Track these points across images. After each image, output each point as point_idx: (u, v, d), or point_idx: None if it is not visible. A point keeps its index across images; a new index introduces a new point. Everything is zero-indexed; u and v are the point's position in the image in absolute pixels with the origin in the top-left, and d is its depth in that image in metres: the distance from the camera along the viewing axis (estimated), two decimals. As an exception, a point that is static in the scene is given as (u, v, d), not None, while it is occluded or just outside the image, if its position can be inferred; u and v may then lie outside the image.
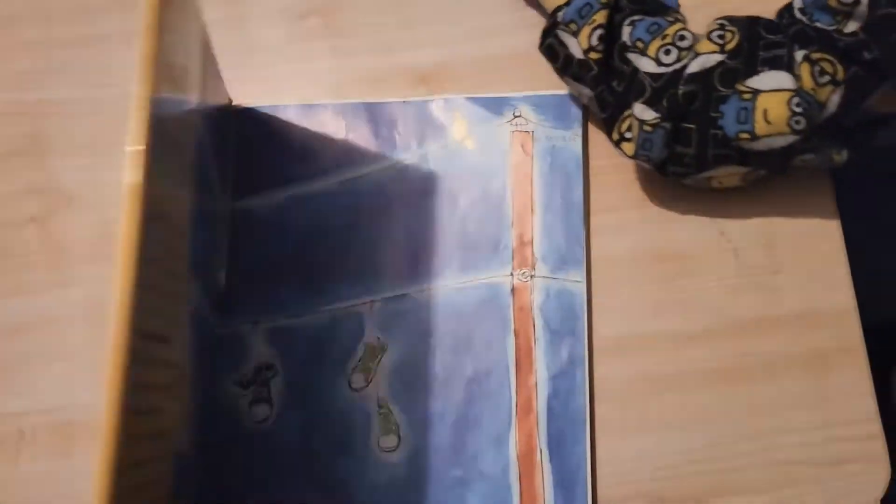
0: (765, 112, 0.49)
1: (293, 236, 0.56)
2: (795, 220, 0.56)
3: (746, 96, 0.49)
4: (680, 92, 0.50)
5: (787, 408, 0.53)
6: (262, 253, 0.56)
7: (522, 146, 0.56)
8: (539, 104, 0.57)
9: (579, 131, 0.56)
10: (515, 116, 0.57)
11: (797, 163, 0.52)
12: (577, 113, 0.57)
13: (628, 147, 0.52)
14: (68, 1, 0.61)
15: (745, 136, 0.50)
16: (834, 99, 0.49)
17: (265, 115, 0.58)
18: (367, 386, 0.53)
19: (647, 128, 0.51)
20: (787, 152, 0.51)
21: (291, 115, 0.58)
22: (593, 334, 0.54)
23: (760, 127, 0.49)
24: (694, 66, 0.50)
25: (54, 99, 0.60)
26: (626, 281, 0.55)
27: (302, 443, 0.52)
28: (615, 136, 0.53)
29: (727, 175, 0.53)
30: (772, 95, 0.49)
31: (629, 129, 0.52)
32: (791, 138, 0.50)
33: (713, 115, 0.50)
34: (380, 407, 0.53)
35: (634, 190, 0.57)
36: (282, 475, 0.52)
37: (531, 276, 0.54)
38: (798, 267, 0.55)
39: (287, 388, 0.53)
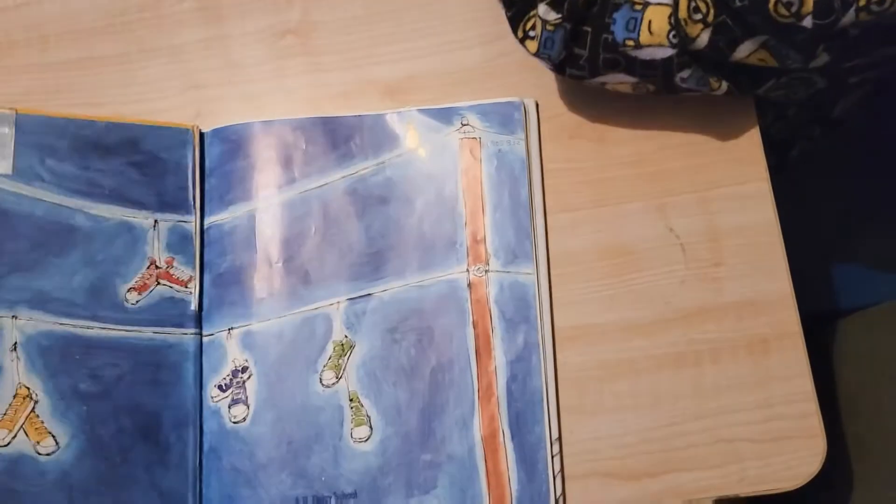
0: (649, 23, 0.53)
1: (260, 246, 0.60)
2: (738, 216, 0.60)
3: (637, 7, 0.54)
4: None
5: (731, 389, 0.57)
6: (232, 264, 0.59)
7: (471, 152, 0.61)
8: (484, 112, 0.61)
9: (522, 136, 0.61)
10: (463, 125, 0.61)
11: (678, 82, 0.55)
12: (519, 119, 0.61)
13: (531, 45, 0.56)
14: (63, 26, 0.66)
15: (630, 43, 0.54)
16: (703, 37, 0.52)
17: (228, 133, 0.62)
18: (337, 381, 0.58)
19: (549, 27, 0.55)
20: (667, 66, 0.54)
21: (254, 132, 0.61)
22: (554, 325, 0.59)
23: (644, 36, 0.53)
24: None
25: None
26: (581, 275, 0.60)
27: (279, 438, 0.56)
28: (520, 33, 0.57)
29: (619, 83, 0.57)
30: (657, 9, 0.53)
31: (533, 27, 0.56)
32: (669, 51, 0.53)
33: (607, 20, 0.54)
34: (351, 401, 0.57)
35: (588, 190, 0.61)
36: (266, 469, 0.56)
37: (486, 271, 0.59)
38: (740, 259, 0.59)
39: (261, 388, 0.57)
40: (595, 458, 0.57)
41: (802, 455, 0.56)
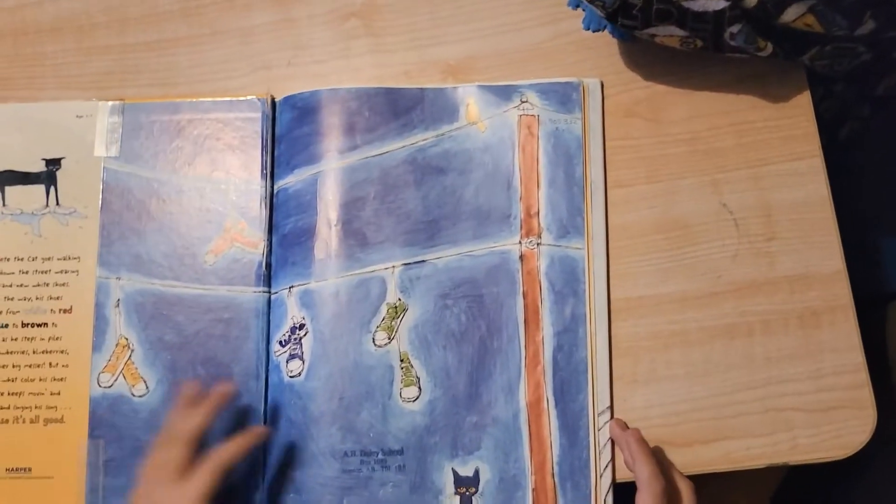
0: None
1: (321, 209, 0.63)
2: (791, 192, 0.62)
3: None
4: None
5: (782, 360, 0.59)
6: (295, 225, 0.63)
7: (529, 128, 0.63)
8: (544, 91, 0.64)
9: (579, 115, 0.63)
10: (522, 102, 0.63)
11: (727, 38, 0.56)
12: (577, 99, 0.63)
13: None
14: (141, 10, 0.70)
15: None
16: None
17: (297, 101, 0.65)
18: (389, 342, 0.61)
19: None
20: (719, 18, 0.55)
21: (322, 99, 0.65)
22: (610, 297, 0.61)
23: None
24: None
25: (128, 97, 0.68)
26: (636, 249, 0.62)
27: (331, 394, 0.60)
28: None
29: (668, 36, 0.58)
30: None
31: None
32: (722, 3, 0.54)
33: None
34: (401, 361, 0.60)
35: (643, 167, 0.63)
36: (317, 423, 0.60)
37: (538, 244, 0.61)
38: (793, 234, 0.61)
39: (316, 344, 0.61)
40: (647, 425, 0.59)
41: (852, 425, 0.58)
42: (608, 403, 0.59)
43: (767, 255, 0.61)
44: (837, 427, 0.58)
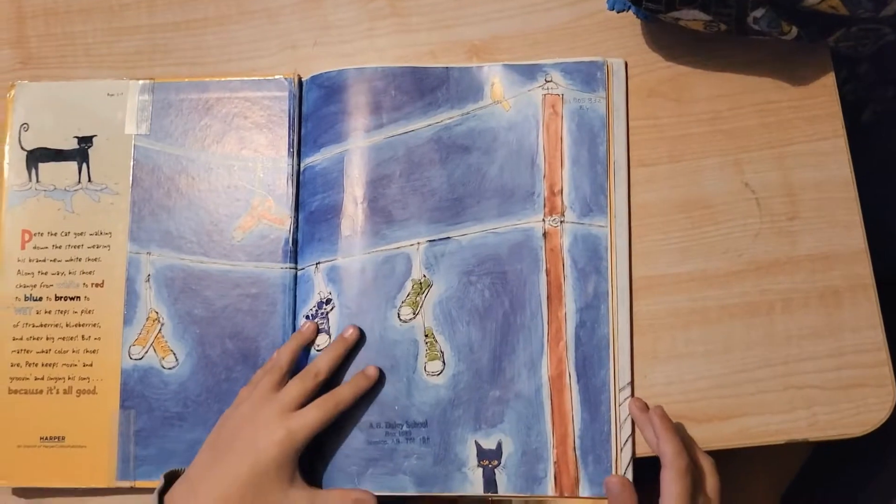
0: None
1: (347, 186, 0.64)
2: (814, 172, 0.63)
3: None
4: None
5: (803, 338, 0.60)
6: (322, 202, 0.64)
7: (553, 107, 0.64)
8: (568, 70, 0.64)
9: (603, 94, 0.64)
10: (547, 81, 0.64)
11: (751, 22, 0.57)
12: (602, 78, 0.64)
13: None
14: (169, -10, 0.71)
15: None
16: None
17: (324, 80, 0.66)
18: (414, 317, 0.62)
19: None
20: (741, 3, 0.56)
21: (348, 78, 0.66)
22: (632, 274, 0.62)
23: None
24: None
25: (157, 76, 0.70)
26: (657, 228, 0.63)
27: (357, 368, 0.61)
28: None
29: (692, 20, 0.59)
30: None
31: None
32: None
33: None
34: (426, 336, 0.62)
35: (665, 146, 0.64)
36: None
37: (561, 222, 0.62)
38: (815, 214, 0.62)
39: (343, 319, 0.62)
40: (667, 401, 0.60)
41: (872, 402, 0.59)
42: (629, 380, 0.60)
43: (789, 235, 0.62)
44: (857, 405, 0.59)
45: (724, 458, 0.58)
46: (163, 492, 0.56)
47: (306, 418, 0.57)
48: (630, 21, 0.65)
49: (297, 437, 0.56)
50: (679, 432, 0.57)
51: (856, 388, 0.59)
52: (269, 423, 0.56)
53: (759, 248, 0.62)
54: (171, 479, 0.58)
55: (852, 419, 0.59)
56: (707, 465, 0.57)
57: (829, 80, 0.63)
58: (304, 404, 0.58)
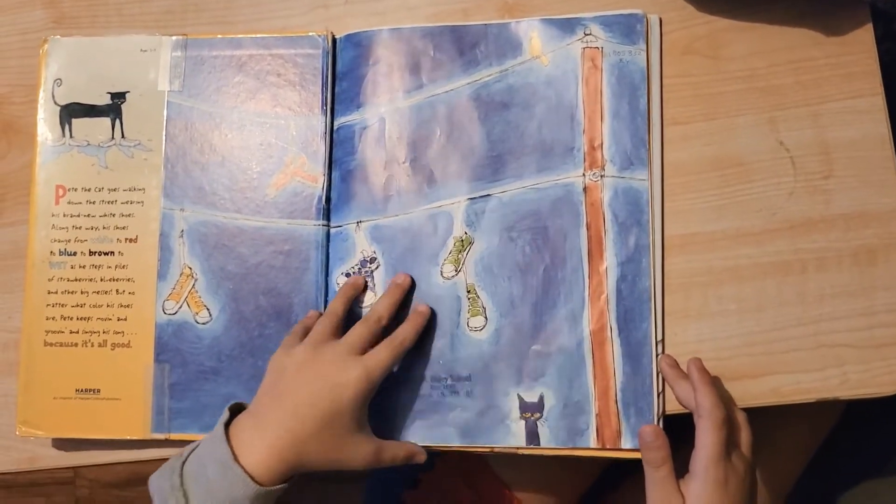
0: None
1: (389, 147, 0.65)
2: (850, 130, 0.63)
3: None
4: None
5: (835, 297, 0.61)
6: (361, 162, 0.65)
7: (592, 61, 0.64)
8: (607, 23, 0.64)
9: (643, 47, 0.64)
10: (586, 34, 0.65)
11: None
12: (641, 31, 0.64)
13: None
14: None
15: None
16: None
17: (360, 39, 0.67)
18: (456, 274, 0.63)
19: None
20: None
21: (384, 38, 0.67)
22: (664, 232, 0.63)
23: None
24: None
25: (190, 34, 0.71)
26: (691, 186, 0.63)
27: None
28: None
29: None
30: None
31: None
32: None
33: None
34: (468, 292, 0.63)
35: (700, 104, 0.64)
36: None
37: (601, 176, 0.63)
38: (850, 172, 0.62)
39: (388, 277, 0.64)
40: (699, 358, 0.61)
41: (904, 361, 0.59)
42: (661, 337, 0.61)
43: (824, 193, 0.62)
44: (889, 363, 0.60)
45: (758, 416, 0.59)
46: (228, 423, 0.57)
47: (379, 356, 0.58)
48: (665, -22, 0.66)
49: (374, 376, 0.58)
50: (715, 386, 0.58)
51: (888, 346, 0.60)
52: (342, 362, 0.58)
53: (793, 206, 0.62)
54: (235, 411, 0.59)
55: (884, 378, 0.59)
56: (742, 419, 0.58)
57: (867, 37, 0.63)
58: (367, 349, 0.59)
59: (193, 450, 0.57)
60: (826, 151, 0.63)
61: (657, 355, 0.61)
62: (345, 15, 0.69)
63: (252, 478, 0.54)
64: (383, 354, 0.59)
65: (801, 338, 0.61)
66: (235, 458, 0.54)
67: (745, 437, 0.58)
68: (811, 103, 0.63)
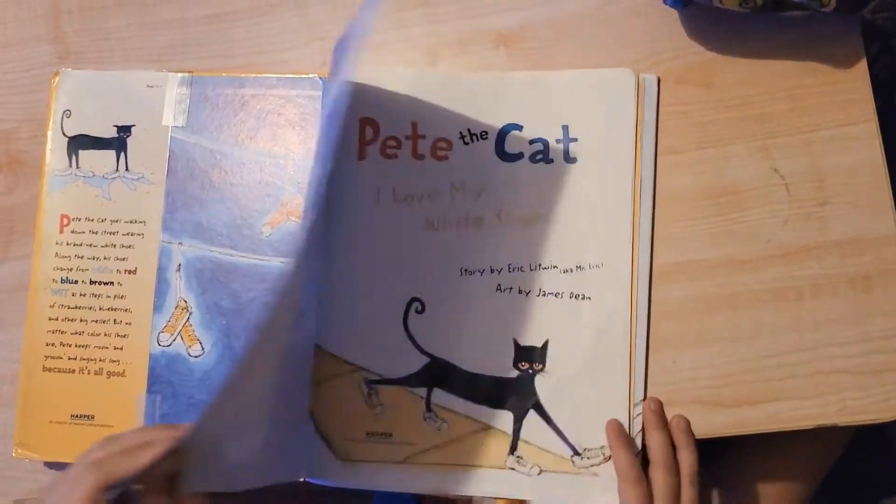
0: None
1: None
2: (844, 156, 0.64)
3: None
4: None
5: (832, 323, 0.62)
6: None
7: None
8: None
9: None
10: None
11: None
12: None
13: None
14: (201, -17, 0.75)
15: None
16: None
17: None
18: None
19: None
20: None
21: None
22: (655, 261, 0.65)
23: None
24: None
25: (191, 70, 0.73)
26: (685, 214, 0.65)
27: None
28: None
29: None
30: None
31: None
32: None
33: None
34: None
35: (693, 133, 0.66)
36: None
37: None
38: (845, 199, 0.64)
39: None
40: (694, 386, 0.63)
41: (903, 388, 0.60)
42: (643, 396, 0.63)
43: (819, 220, 0.64)
44: (886, 389, 0.61)
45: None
46: None
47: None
48: (658, 6, 0.68)
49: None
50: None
51: (886, 372, 0.61)
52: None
53: (788, 233, 0.64)
54: None
55: (883, 404, 0.60)
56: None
57: (860, 64, 0.65)
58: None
59: None
60: (820, 178, 0.64)
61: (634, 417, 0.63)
62: (343, 48, 0.72)
63: None
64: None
65: (797, 364, 0.62)
66: None
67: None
68: (805, 130, 0.65)
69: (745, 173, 0.65)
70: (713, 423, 0.62)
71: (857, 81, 0.65)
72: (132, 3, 0.75)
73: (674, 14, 0.68)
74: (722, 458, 0.68)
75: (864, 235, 0.63)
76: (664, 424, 0.61)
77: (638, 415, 0.62)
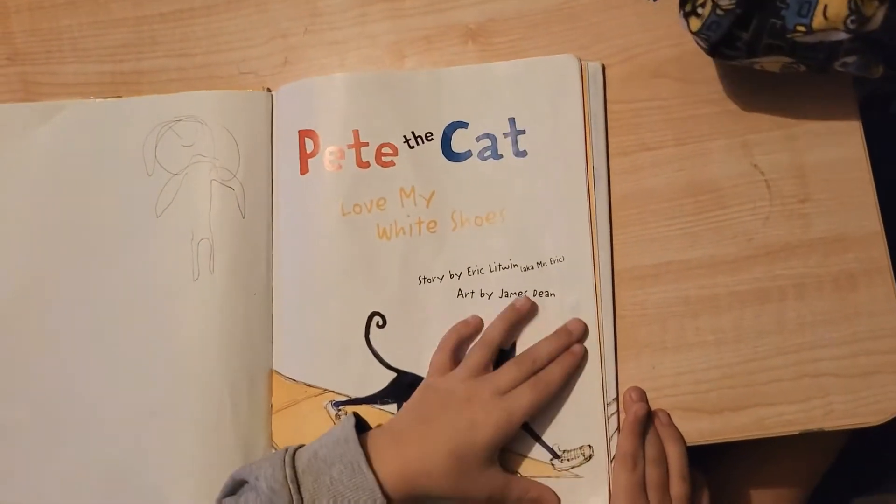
0: (825, 8, 0.55)
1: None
2: (826, 152, 0.64)
3: None
4: None
5: (817, 325, 0.62)
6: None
7: None
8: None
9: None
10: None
11: (838, 66, 0.58)
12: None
13: (694, 23, 0.59)
14: (154, -20, 0.74)
15: (801, 28, 0.56)
16: (878, 15, 0.55)
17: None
18: None
19: (720, 11, 0.57)
20: (834, 49, 0.57)
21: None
22: (633, 263, 0.64)
23: (818, 21, 0.55)
24: None
25: (145, 69, 0.72)
26: (664, 213, 0.64)
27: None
28: (688, 7, 0.59)
29: (771, 62, 0.60)
30: None
31: (702, 5, 0.58)
32: (842, 35, 0.55)
33: (778, 4, 0.56)
34: None
35: (670, 128, 0.65)
36: None
37: None
38: (828, 195, 0.63)
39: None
40: (677, 392, 0.62)
41: (890, 390, 0.60)
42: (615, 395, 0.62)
43: (801, 217, 0.63)
44: (874, 392, 0.60)
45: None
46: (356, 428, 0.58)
47: (522, 400, 0.60)
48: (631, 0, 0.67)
49: (514, 420, 0.60)
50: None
51: (873, 375, 0.60)
52: (486, 403, 0.59)
53: (769, 231, 0.63)
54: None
55: (870, 408, 0.60)
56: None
57: (839, 56, 0.65)
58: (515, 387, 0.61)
59: (299, 448, 0.58)
60: (802, 174, 0.64)
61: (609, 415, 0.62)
62: (304, 45, 0.71)
63: (381, 486, 0.55)
64: (526, 399, 0.60)
65: (782, 368, 0.61)
66: (369, 463, 0.56)
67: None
68: (785, 126, 0.64)
69: (725, 170, 0.64)
70: (697, 430, 0.61)
71: (838, 75, 0.64)
72: (84, 1, 0.73)
73: (648, 7, 0.67)
74: (716, 467, 0.67)
75: (848, 233, 0.62)
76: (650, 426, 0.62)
77: (612, 413, 0.62)
